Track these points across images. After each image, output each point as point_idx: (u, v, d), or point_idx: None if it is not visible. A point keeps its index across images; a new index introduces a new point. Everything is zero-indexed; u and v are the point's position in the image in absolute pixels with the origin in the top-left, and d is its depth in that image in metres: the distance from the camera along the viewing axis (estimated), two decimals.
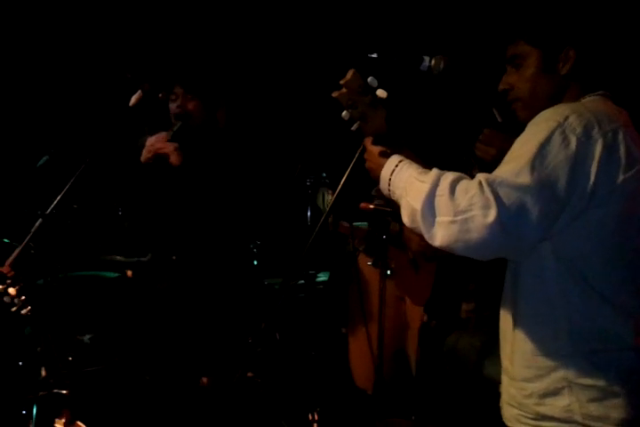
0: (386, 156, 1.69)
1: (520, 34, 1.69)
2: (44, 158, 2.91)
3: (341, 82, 1.70)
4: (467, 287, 2.48)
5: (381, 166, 1.69)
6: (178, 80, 2.77)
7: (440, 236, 1.49)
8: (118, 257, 3.14)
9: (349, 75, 1.69)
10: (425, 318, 2.51)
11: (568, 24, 1.69)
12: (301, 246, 1.81)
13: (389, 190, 1.67)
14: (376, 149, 1.72)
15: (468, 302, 2.48)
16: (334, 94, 1.71)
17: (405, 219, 1.58)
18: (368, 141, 1.75)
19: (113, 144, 2.57)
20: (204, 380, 2.66)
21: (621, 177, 1.50)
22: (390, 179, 1.65)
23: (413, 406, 2.55)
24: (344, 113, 1.73)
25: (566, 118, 1.51)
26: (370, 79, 1.70)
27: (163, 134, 2.71)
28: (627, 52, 2.32)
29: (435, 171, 1.56)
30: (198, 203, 2.70)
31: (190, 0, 3.99)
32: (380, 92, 1.71)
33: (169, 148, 2.67)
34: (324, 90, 1.79)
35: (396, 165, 1.66)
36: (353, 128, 1.75)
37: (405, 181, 1.61)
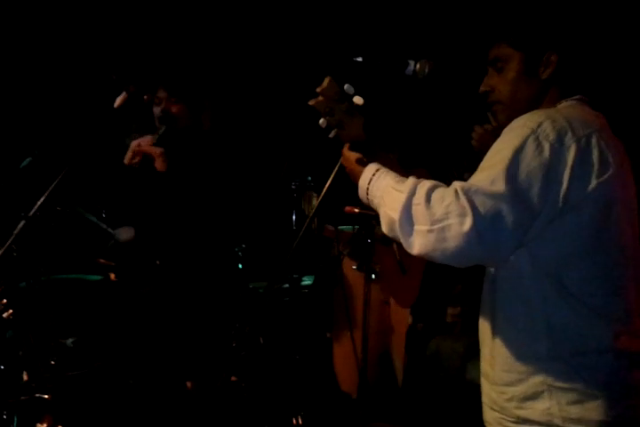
0: (363, 164, 1.70)
1: (503, 36, 1.70)
2: (28, 160, 2.89)
3: (318, 89, 1.70)
4: (453, 291, 2.49)
5: (359, 174, 1.70)
6: (162, 83, 2.76)
7: (418, 245, 1.50)
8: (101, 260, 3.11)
9: (325, 82, 1.69)
10: (410, 320, 2.51)
11: (551, 29, 1.70)
12: (286, 250, 1.81)
13: (368, 199, 1.68)
14: (353, 156, 1.73)
15: (454, 306, 2.49)
16: (311, 102, 1.71)
17: (384, 228, 1.59)
18: (345, 148, 1.75)
19: (97, 146, 2.55)
20: (188, 384, 2.64)
21: (594, 182, 1.51)
22: (368, 188, 1.67)
23: (397, 410, 2.55)
24: (321, 120, 1.73)
25: (540, 125, 1.52)
26: (346, 86, 1.70)
27: (148, 138, 2.70)
28: (607, 58, 2.33)
29: (411, 179, 1.57)
30: (183, 206, 2.69)
31: (175, 3, 3.98)
32: (357, 99, 1.71)
33: (155, 152, 2.65)
34: (308, 93, 1.79)
35: (373, 174, 1.67)
36: (330, 135, 1.75)
37: (383, 191, 1.62)
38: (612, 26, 2.59)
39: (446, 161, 2.36)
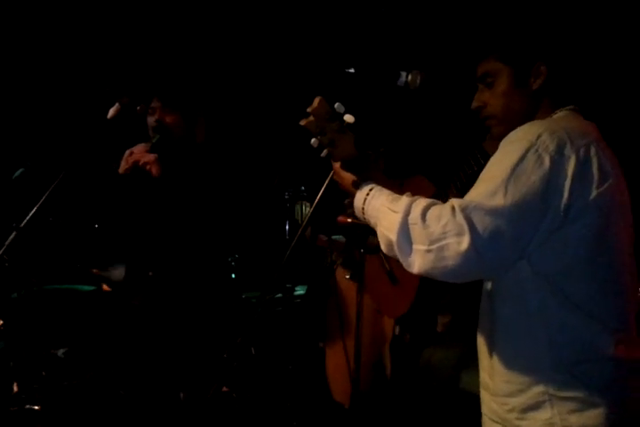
0: (356, 185, 1.70)
1: (490, 51, 1.71)
2: (20, 171, 2.88)
3: (308, 110, 1.68)
4: (443, 300, 2.48)
5: (353, 193, 1.70)
6: (156, 93, 2.76)
7: (417, 264, 1.50)
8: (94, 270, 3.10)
9: (316, 102, 1.68)
10: (397, 330, 2.51)
11: (538, 39, 1.70)
12: (279, 260, 1.81)
13: (364, 218, 1.68)
14: (346, 177, 1.73)
15: (444, 314, 2.49)
16: (302, 122, 1.70)
17: (383, 247, 1.59)
18: (337, 167, 1.75)
19: (90, 157, 2.55)
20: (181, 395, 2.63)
21: (595, 192, 1.51)
22: (363, 208, 1.67)
23: (391, 419, 2.55)
24: (313, 140, 1.71)
25: (539, 137, 1.52)
26: (337, 105, 1.70)
27: (141, 146, 2.70)
28: (596, 66, 2.35)
29: (405, 198, 1.58)
30: (176, 217, 2.68)
31: (169, 14, 4.00)
32: (348, 118, 1.70)
33: (149, 158, 2.65)
34: (301, 104, 1.79)
35: (367, 194, 1.67)
36: (322, 154, 1.74)
37: (378, 210, 1.62)
38: (599, 33, 2.61)
39: (440, 171, 2.37)
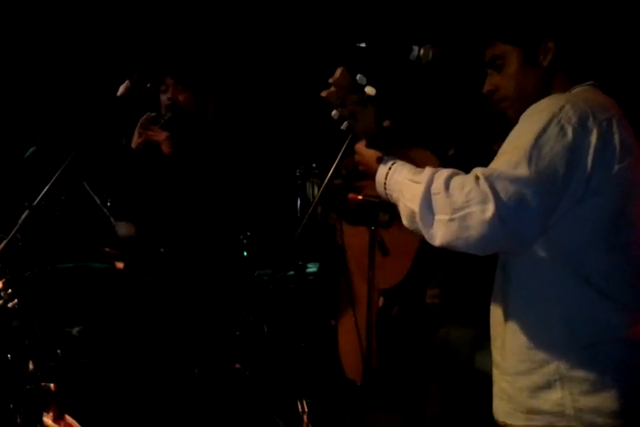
0: (379, 161, 1.68)
1: (495, 34, 1.69)
2: (32, 149, 2.88)
3: (330, 80, 1.67)
4: (435, 273, 2.46)
5: (375, 170, 1.68)
6: (169, 71, 2.75)
7: (440, 235, 1.48)
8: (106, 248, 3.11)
9: (338, 73, 1.67)
10: (381, 302, 2.48)
11: (541, 16, 1.68)
12: (291, 237, 1.80)
13: (386, 194, 1.66)
14: (372, 155, 1.70)
15: (432, 287, 2.46)
16: (323, 93, 1.68)
17: (404, 221, 1.57)
18: (362, 146, 1.73)
19: (100, 134, 2.55)
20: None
21: (616, 167, 1.50)
22: (385, 182, 1.65)
23: (403, 397, 2.55)
24: (334, 112, 1.71)
25: (561, 108, 1.50)
26: (359, 77, 1.68)
27: (149, 114, 2.70)
28: (608, 39, 2.30)
29: (428, 169, 1.56)
30: (188, 194, 2.69)
31: None
32: (369, 90, 1.68)
33: (160, 136, 2.66)
34: (311, 81, 1.77)
35: (390, 168, 1.65)
36: (343, 127, 1.74)
37: (400, 183, 1.60)
38: (605, 6, 2.55)
39: (443, 148, 2.34)
